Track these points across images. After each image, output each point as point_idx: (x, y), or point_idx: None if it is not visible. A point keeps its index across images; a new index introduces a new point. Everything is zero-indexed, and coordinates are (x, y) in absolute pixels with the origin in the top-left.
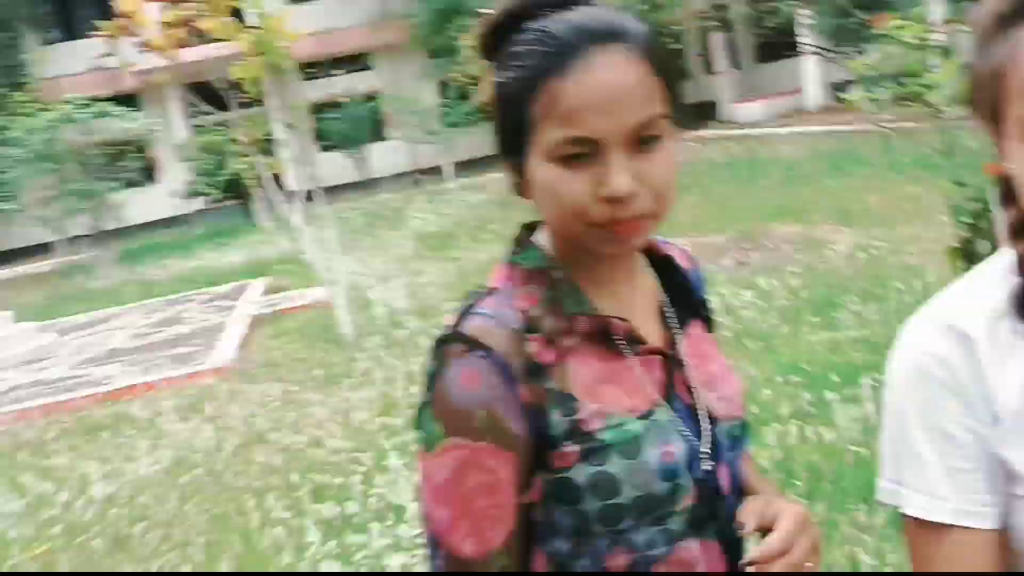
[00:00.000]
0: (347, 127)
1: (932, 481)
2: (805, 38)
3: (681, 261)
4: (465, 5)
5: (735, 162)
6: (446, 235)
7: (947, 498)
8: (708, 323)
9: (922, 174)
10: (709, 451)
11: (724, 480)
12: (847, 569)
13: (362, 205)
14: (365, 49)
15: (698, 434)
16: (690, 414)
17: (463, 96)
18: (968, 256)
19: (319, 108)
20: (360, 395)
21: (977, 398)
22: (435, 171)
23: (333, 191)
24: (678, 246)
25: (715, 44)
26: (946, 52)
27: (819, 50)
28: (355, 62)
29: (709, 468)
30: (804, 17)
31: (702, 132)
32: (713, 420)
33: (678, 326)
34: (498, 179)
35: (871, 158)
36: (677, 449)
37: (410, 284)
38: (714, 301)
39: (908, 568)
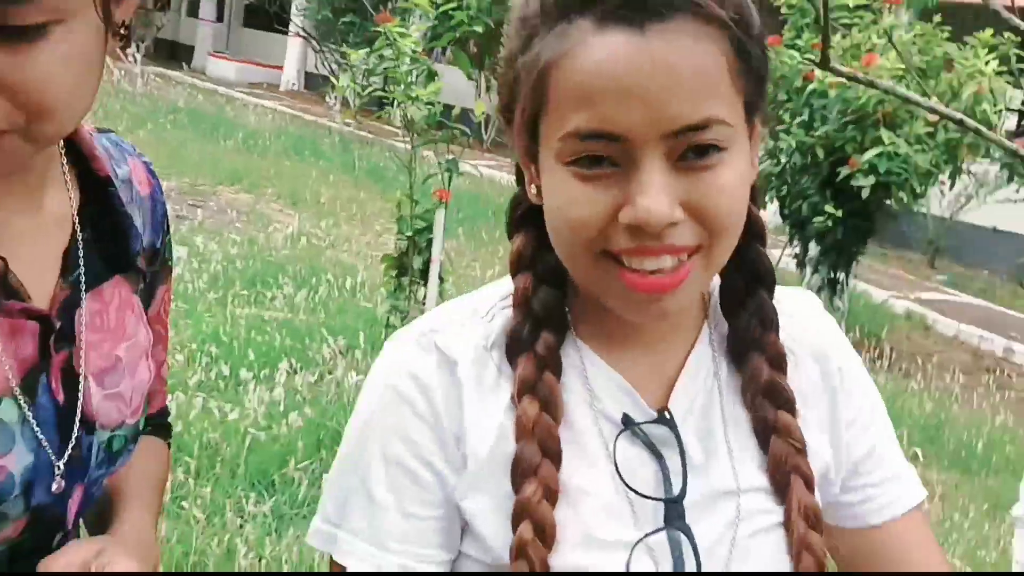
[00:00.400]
0: None
1: (381, 528)
2: (297, 19)
3: (139, 185)
4: None
5: (199, 114)
6: None
7: (393, 550)
8: (150, 280)
9: (372, 182)
10: (63, 467)
11: (74, 509)
12: (224, 560)
13: None
14: None
15: (62, 442)
16: (60, 413)
17: None
18: (401, 267)
19: None
20: None
21: (450, 435)
22: None
23: None
24: (138, 156)
25: None
26: (432, 74)
27: (307, 36)
28: None
29: (57, 490)
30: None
31: (170, 72)
32: (89, 425)
33: (87, 281)
34: None
35: (331, 154)
36: (15, 463)
37: None
38: None
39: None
